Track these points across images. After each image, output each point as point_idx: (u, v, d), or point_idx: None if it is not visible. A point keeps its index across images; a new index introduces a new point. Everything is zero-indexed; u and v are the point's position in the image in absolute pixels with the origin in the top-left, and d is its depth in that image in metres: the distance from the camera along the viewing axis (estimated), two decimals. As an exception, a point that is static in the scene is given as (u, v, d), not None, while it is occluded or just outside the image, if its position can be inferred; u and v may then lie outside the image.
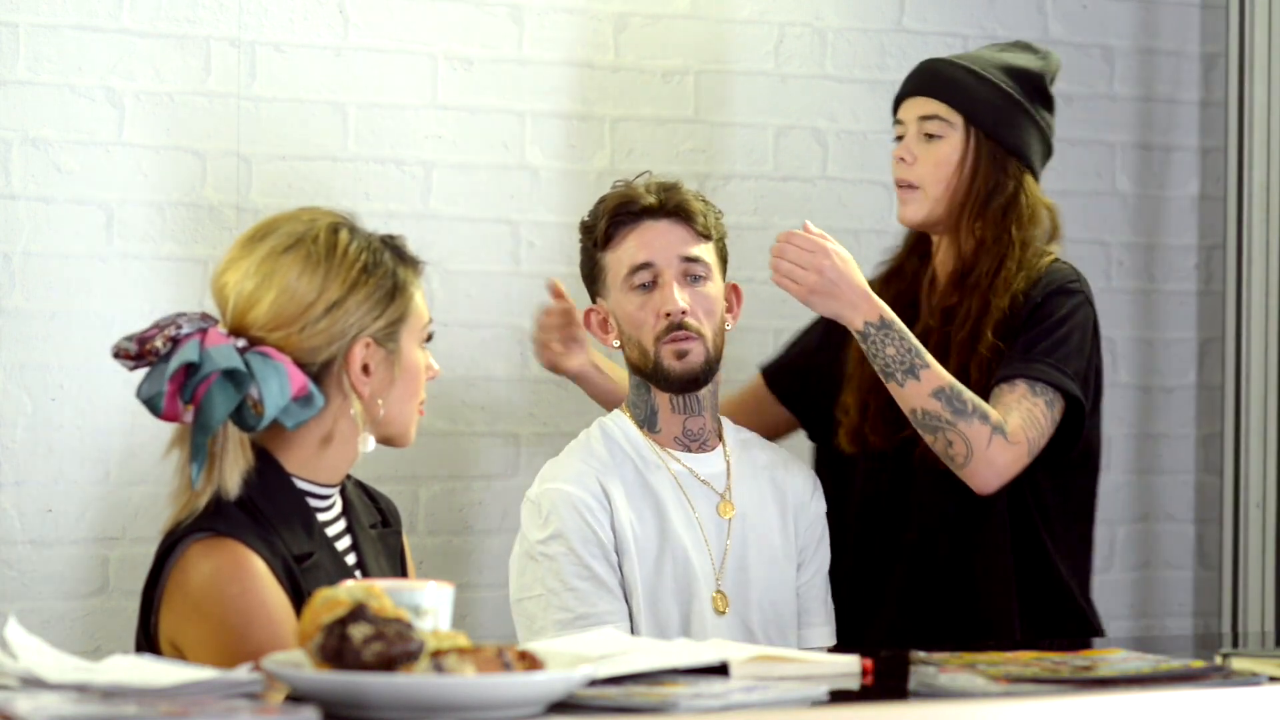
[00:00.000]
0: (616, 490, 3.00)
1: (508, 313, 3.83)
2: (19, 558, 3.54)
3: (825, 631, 3.14)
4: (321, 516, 2.53)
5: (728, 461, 3.10)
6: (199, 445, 2.39)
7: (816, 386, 3.40)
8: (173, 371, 2.37)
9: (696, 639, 2.91)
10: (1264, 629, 4.18)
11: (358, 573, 2.56)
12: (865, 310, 3.06)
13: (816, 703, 2.22)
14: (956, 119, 3.31)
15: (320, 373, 2.47)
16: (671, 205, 3.04)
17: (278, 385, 2.39)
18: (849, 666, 2.42)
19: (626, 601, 2.98)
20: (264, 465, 2.47)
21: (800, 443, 3.56)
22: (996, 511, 3.24)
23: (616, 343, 3.07)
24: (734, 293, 3.13)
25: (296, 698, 2.04)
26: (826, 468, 3.35)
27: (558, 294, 3.38)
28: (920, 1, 4.17)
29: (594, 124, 3.91)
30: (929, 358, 3.07)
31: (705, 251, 3.06)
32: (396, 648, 2.00)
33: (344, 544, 2.57)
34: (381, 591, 2.08)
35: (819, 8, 4.10)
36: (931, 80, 3.35)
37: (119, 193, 3.59)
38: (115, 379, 3.39)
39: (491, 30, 3.85)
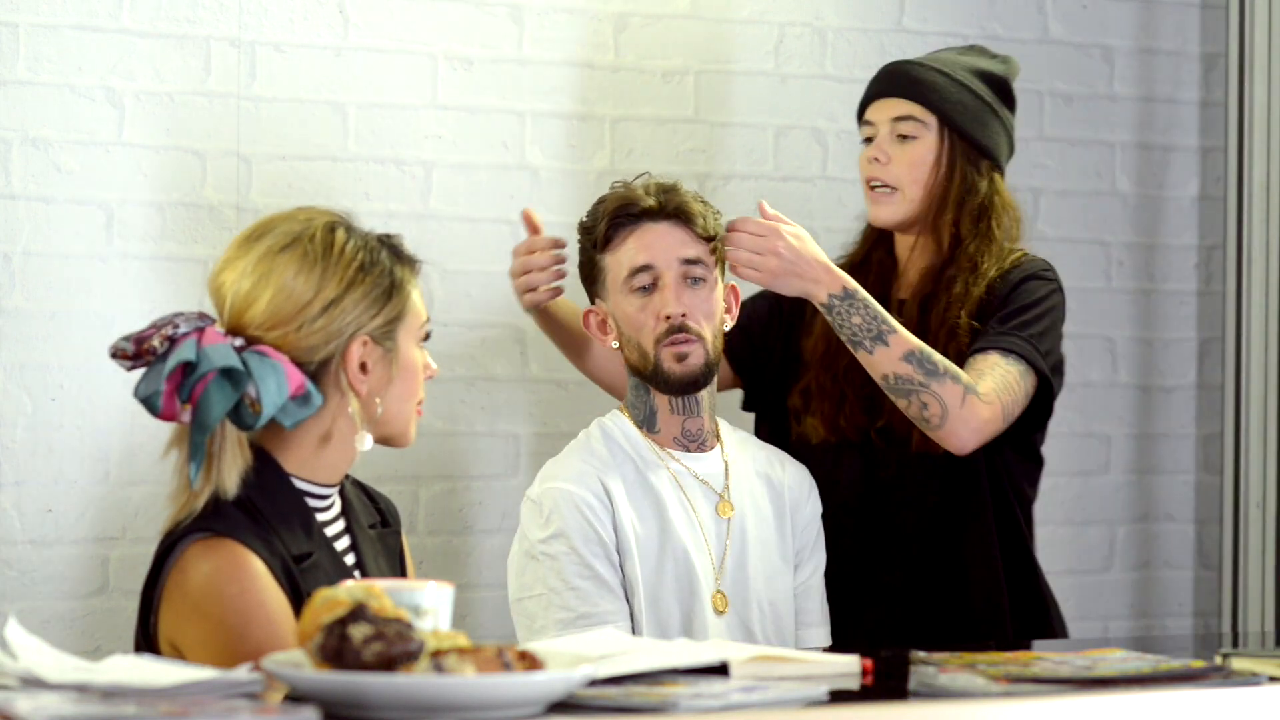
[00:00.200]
0: (618, 489, 3.00)
1: (508, 313, 3.83)
2: (19, 558, 3.54)
3: (822, 632, 3.14)
4: (320, 516, 2.53)
5: (725, 462, 3.10)
6: (197, 444, 2.39)
7: (766, 358, 3.40)
8: (170, 370, 2.37)
9: (697, 639, 2.92)
10: (1264, 629, 4.18)
11: (356, 573, 2.56)
12: (828, 283, 3.10)
13: (816, 703, 2.22)
14: (930, 119, 3.35)
15: (318, 372, 2.47)
16: (671, 207, 3.04)
17: (275, 384, 2.39)
18: (849, 666, 2.42)
19: (628, 601, 2.98)
20: (262, 465, 2.47)
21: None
22: (982, 504, 3.29)
23: (616, 344, 3.07)
24: (732, 294, 3.13)
25: (296, 698, 2.04)
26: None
27: (533, 226, 3.26)
28: (920, 1, 4.18)
29: (594, 124, 3.91)
30: (895, 323, 3.12)
31: (705, 253, 3.06)
32: (396, 648, 2.00)
33: (343, 544, 2.57)
34: (381, 591, 2.08)
35: (819, 8, 4.10)
36: (904, 82, 3.38)
37: (119, 193, 3.59)
38: (115, 379, 3.39)
39: (491, 30, 3.85)
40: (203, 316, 2.43)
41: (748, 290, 3.54)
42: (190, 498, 2.42)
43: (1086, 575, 4.34)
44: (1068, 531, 4.33)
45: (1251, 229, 4.27)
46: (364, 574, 2.56)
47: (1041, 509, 4.29)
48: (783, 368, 3.40)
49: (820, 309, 3.12)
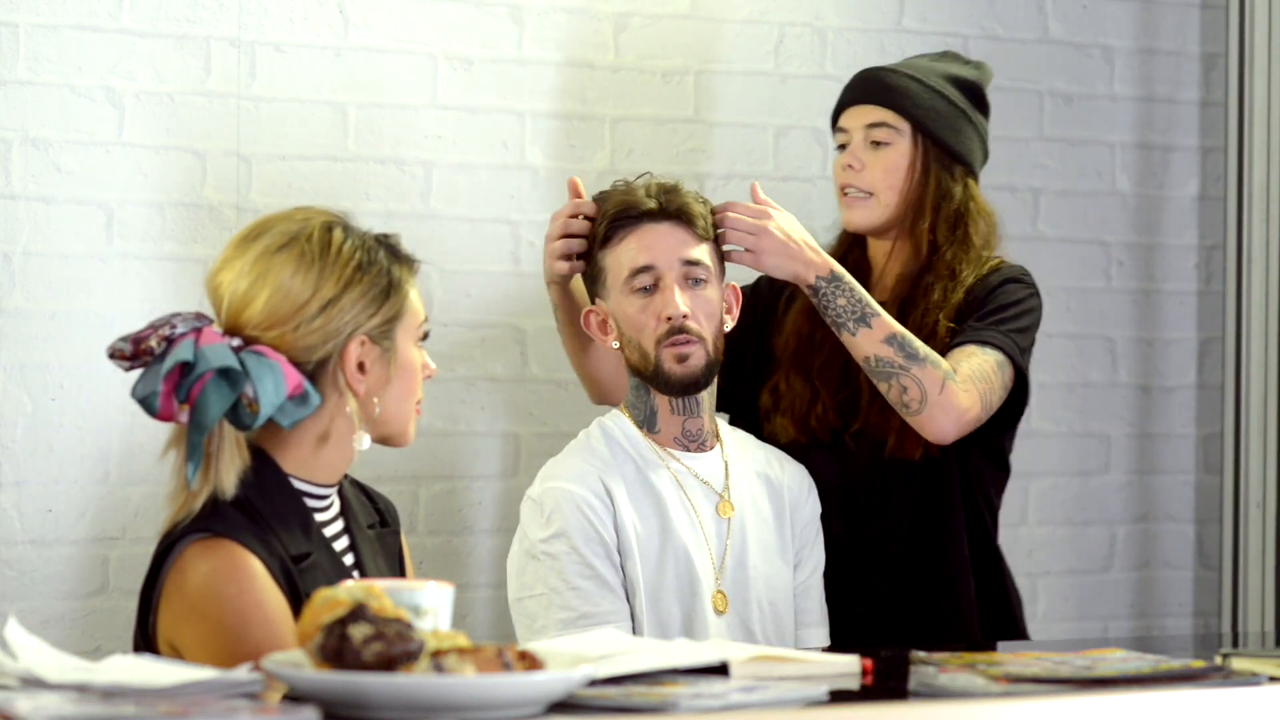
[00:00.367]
0: (618, 489, 3.00)
1: (508, 313, 3.84)
2: (19, 558, 3.54)
3: (821, 632, 3.14)
4: (319, 517, 2.53)
5: (726, 462, 3.10)
6: (195, 445, 2.39)
7: (739, 357, 3.40)
8: (167, 371, 2.36)
9: (698, 639, 2.92)
10: (1264, 629, 4.19)
11: (355, 573, 2.56)
12: (817, 265, 3.14)
13: (816, 703, 2.22)
14: (904, 126, 3.37)
15: (316, 371, 2.47)
16: (673, 208, 3.04)
17: (273, 384, 2.39)
18: (849, 666, 2.42)
19: (629, 601, 2.98)
20: (261, 465, 2.47)
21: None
22: (954, 506, 3.34)
23: (616, 344, 3.07)
24: (733, 294, 3.13)
25: (296, 698, 2.04)
26: None
27: (577, 193, 3.19)
28: (920, 1, 4.18)
29: (594, 124, 3.91)
30: (878, 308, 3.16)
31: (705, 254, 3.06)
32: (396, 648, 2.00)
33: (341, 544, 2.57)
34: (381, 591, 2.08)
35: (819, 8, 4.10)
36: (877, 89, 3.40)
37: (119, 193, 3.59)
38: (115, 379, 3.39)
39: (491, 30, 3.85)
40: (200, 317, 2.43)
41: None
42: (188, 498, 2.42)
43: (1086, 575, 4.34)
44: (1068, 531, 4.33)
45: (1251, 229, 4.27)
46: (363, 574, 2.56)
47: (1041, 509, 4.30)
48: (755, 367, 3.40)
49: (806, 290, 3.16)
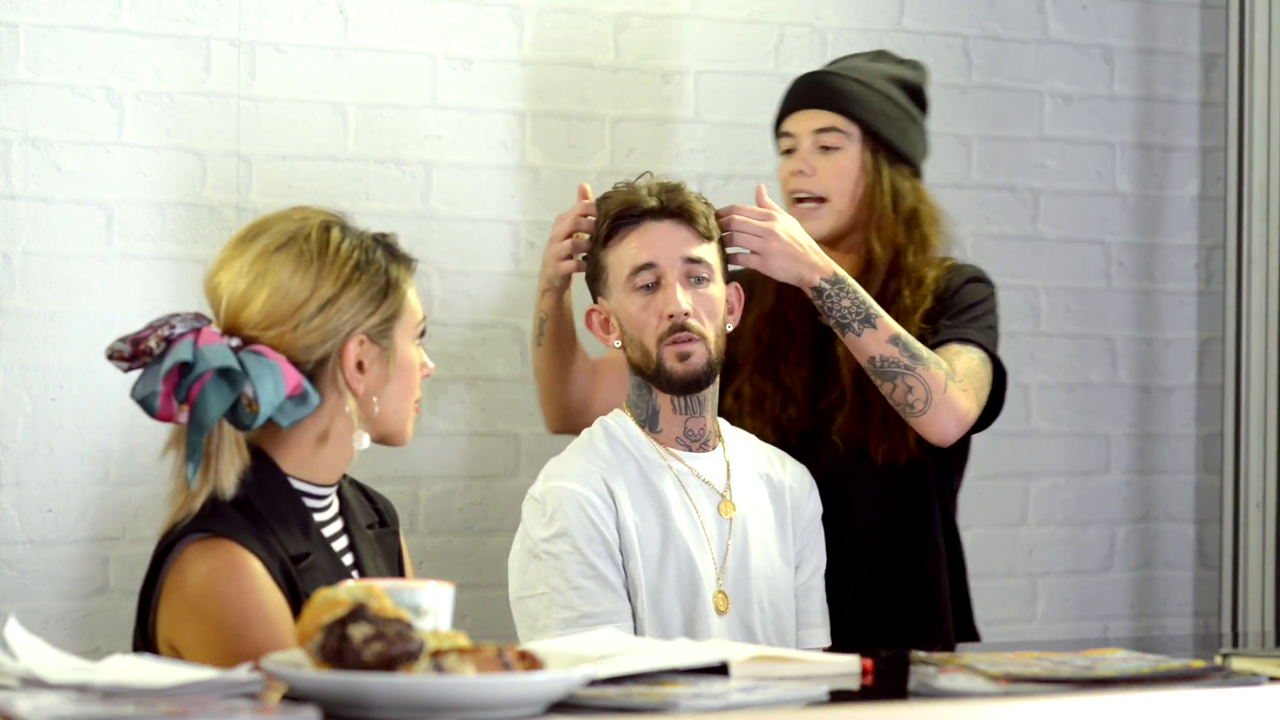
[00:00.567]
0: (621, 489, 3.00)
1: (508, 313, 3.84)
2: (19, 558, 3.54)
3: (822, 633, 3.14)
4: (318, 517, 2.53)
5: (727, 462, 3.10)
6: (194, 445, 2.39)
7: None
8: (166, 371, 2.36)
9: (699, 639, 2.92)
10: (1264, 629, 4.18)
11: (354, 573, 2.56)
12: (821, 268, 3.16)
13: (816, 703, 2.22)
14: (853, 129, 3.40)
15: (315, 371, 2.47)
16: (674, 206, 3.04)
17: (272, 383, 2.39)
18: (849, 666, 2.42)
19: (631, 601, 2.98)
20: (260, 465, 2.47)
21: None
22: (930, 508, 3.38)
23: (618, 343, 3.07)
24: (735, 294, 3.13)
25: (296, 698, 2.04)
26: None
27: (586, 196, 3.19)
28: (920, 1, 4.18)
29: (594, 124, 3.91)
30: (879, 307, 3.18)
31: (707, 253, 3.06)
32: (396, 648, 2.00)
33: (340, 544, 2.57)
34: (381, 591, 2.08)
35: (819, 8, 4.10)
36: (825, 93, 3.42)
37: (119, 193, 3.59)
38: (115, 379, 3.39)
39: (491, 30, 3.85)
40: (199, 317, 2.43)
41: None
42: (188, 498, 2.42)
43: (1086, 575, 4.34)
44: (1068, 531, 4.33)
45: (1251, 229, 4.27)
46: (362, 574, 2.56)
47: (1041, 509, 4.30)
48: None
49: (811, 292, 3.17)
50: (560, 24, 3.89)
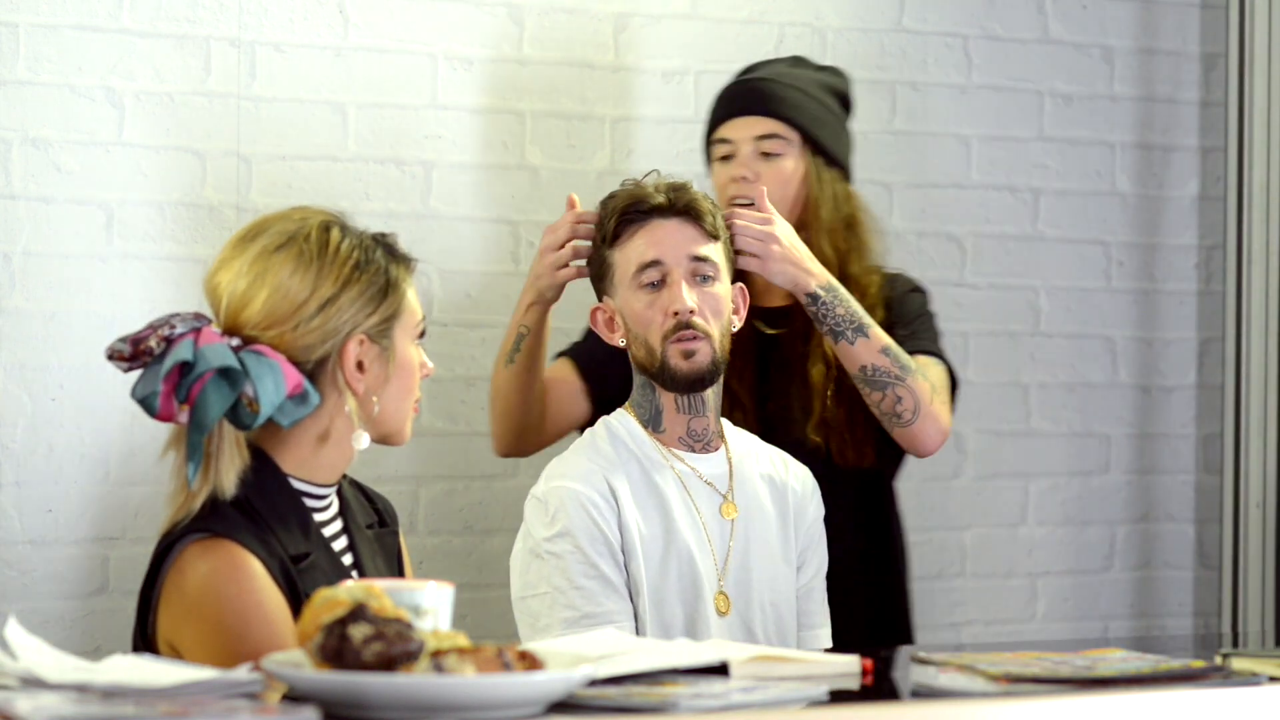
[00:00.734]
0: (623, 489, 3.00)
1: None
2: (19, 558, 3.54)
3: (824, 633, 3.14)
4: (318, 517, 2.53)
5: (730, 462, 3.10)
6: (195, 444, 2.39)
7: (612, 371, 3.40)
8: (167, 371, 2.36)
9: (700, 640, 2.91)
10: (1264, 629, 4.19)
11: (354, 573, 2.56)
12: (817, 275, 3.19)
13: (816, 703, 2.22)
14: (794, 136, 3.43)
15: (315, 371, 2.47)
16: (681, 204, 3.04)
17: (273, 383, 2.39)
18: (849, 666, 2.42)
19: (632, 601, 2.98)
20: (260, 465, 2.47)
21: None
22: (888, 512, 3.47)
23: (623, 341, 3.07)
24: (740, 294, 3.12)
25: (296, 698, 2.04)
26: None
27: (574, 207, 3.20)
28: (920, 1, 4.18)
29: (594, 124, 3.91)
30: (869, 317, 3.21)
31: (714, 251, 3.05)
32: (396, 648, 2.00)
33: (340, 544, 2.57)
34: (381, 591, 2.08)
35: (819, 8, 4.10)
36: (766, 99, 3.44)
37: (119, 193, 3.60)
38: (115, 379, 3.38)
39: (491, 30, 3.85)
40: (199, 317, 2.43)
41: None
42: (188, 498, 2.41)
43: (1086, 575, 4.34)
44: (1068, 531, 4.33)
45: (1251, 229, 4.27)
46: (361, 574, 2.56)
47: (1041, 509, 4.30)
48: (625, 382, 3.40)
49: (805, 299, 3.19)
50: (560, 24, 3.89)
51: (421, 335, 2.57)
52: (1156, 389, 4.40)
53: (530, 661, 2.06)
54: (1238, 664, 2.44)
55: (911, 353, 3.30)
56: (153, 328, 2.40)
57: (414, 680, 1.98)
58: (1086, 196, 4.33)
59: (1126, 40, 4.36)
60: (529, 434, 3.37)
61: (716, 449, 3.09)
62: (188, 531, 2.40)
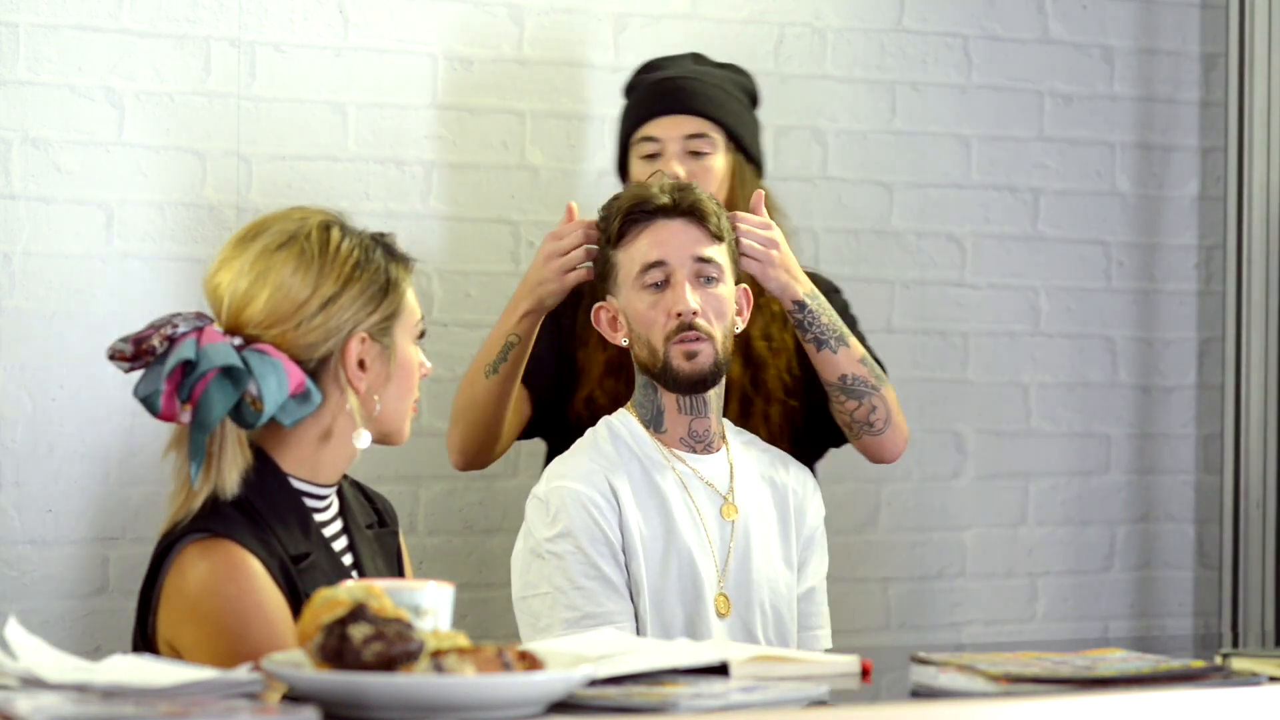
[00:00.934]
0: (624, 490, 3.00)
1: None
2: (19, 558, 3.54)
3: (823, 635, 3.14)
4: (318, 517, 2.53)
5: (731, 464, 3.10)
6: (198, 443, 2.39)
7: (550, 373, 3.41)
8: (170, 370, 2.37)
9: (701, 641, 2.91)
10: (1264, 629, 4.18)
11: (354, 573, 2.56)
12: (804, 283, 3.19)
13: (816, 703, 2.22)
14: (719, 135, 3.43)
15: (317, 370, 2.47)
16: (686, 205, 3.04)
17: (276, 381, 2.39)
18: (849, 666, 2.42)
19: (633, 601, 2.98)
20: (261, 465, 2.47)
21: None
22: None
23: (625, 340, 3.07)
24: (744, 295, 3.12)
25: (296, 698, 2.04)
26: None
27: (572, 216, 3.21)
28: (920, 1, 4.18)
29: (594, 124, 3.91)
30: (845, 326, 3.23)
31: (718, 253, 3.05)
32: (396, 648, 2.00)
33: (340, 544, 2.57)
34: (381, 591, 2.08)
35: (819, 8, 4.10)
36: (692, 98, 3.44)
37: (119, 193, 3.60)
38: (115, 379, 3.38)
39: (491, 30, 3.85)
40: (201, 316, 2.43)
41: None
42: (189, 498, 2.41)
43: (1086, 575, 4.35)
44: (1068, 531, 4.33)
45: (1251, 229, 4.27)
46: (361, 574, 2.56)
47: (1041, 509, 4.30)
48: (559, 381, 3.40)
49: (793, 306, 3.18)
50: (560, 24, 3.89)
51: (421, 335, 2.57)
52: (1156, 389, 4.40)
53: (530, 661, 2.06)
54: (1238, 664, 2.44)
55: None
56: (155, 327, 2.40)
57: (414, 680, 1.98)
58: (1086, 196, 4.33)
59: (1126, 40, 4.35)
60: (495, 444, 3.36)
61: (717, 450, 3.09)
62: (188, 531, 2.40)
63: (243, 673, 2.06)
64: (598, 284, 3.12)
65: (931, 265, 4.20)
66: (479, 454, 3.37)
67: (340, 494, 2.60)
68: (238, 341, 2.42)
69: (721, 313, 3.03)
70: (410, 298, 2.54)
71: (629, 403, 3.12)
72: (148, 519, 3.53)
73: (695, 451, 3.07)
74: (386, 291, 2.50)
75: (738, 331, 3.09)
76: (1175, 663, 2.43)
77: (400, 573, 2.68)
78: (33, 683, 2.04)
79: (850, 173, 4.13)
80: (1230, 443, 4.30)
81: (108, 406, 3.55)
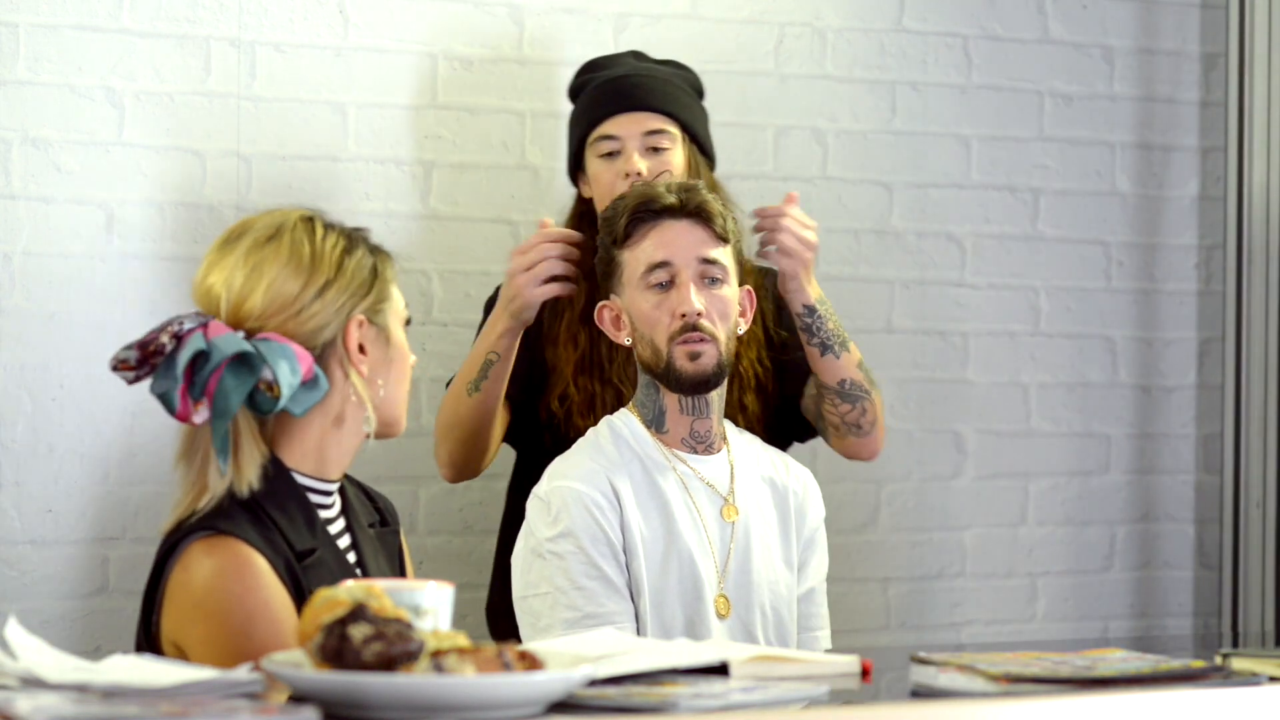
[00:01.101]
0: (625, 490, 3.00)
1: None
2: (19, 558, 3.54)
3: (823, 636, 3.14)
4: (323, 514, 2.53)
5: (731, 465, 3.10)
6: (221, 434, 2.39)
7: (528, 383, 3.41)
8: (185, 363, 2.37)
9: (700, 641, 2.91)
10: (1264, 629, 4.18)
11: (358, 570, 2.56)
12: (815, 288, 3.22)
13: (816, 703, 2.22)
14: (676, 129, 3.43)
15: (320, 357, 2.48)
16: (692, 206, 3.04)
17: (288, 366, 2.41)
18: (849, 666, 2.42)
19: (634, 602, 2.98)
20: (266, 462, 2.47)
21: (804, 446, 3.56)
22: None
23: (628, 340, 3.07)
24: (748, 297, 3.12)
25: (296, 698, 2.04)
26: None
27: (546, 227, 3.26)
28: (920, 1, 4.18)
29: (594, 124, 3.91)
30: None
31: (723, 254, 3.05)
32: (396, 648, 2.00)
33: (344, 542, 2.57)
34: (381, 591, 2.08)
35: (819, 8, 4.10)
36: (650, 94, 3.45)
37: (119, 193, 3.60)
38: (115, 378, 3.39)
39: (491, 30, 3.85)
40: (202, 315, 2.44)
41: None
42: (197, 494, 2.42)
43: (1086, 575, 4.34)
44: (1068, 531, 4.33)
45: (1251, 229, 4.27)
46: (365, 573, 2.57)
47: (1041, 509, 4.30)
48: (529, 382, 3.41)
49: (803, 310, 3.21)
50: (560, 24, 3.89)
51: (408, 323, 2.60)
52: (1156, 389, 4.40)
53: (530, 661, 2.06)
54: (1238, 664, 2.44)
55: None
56: (160, 329, 2.40)
57: (414, 680, 1.98)
58: (1086, 196, 4.33)
59: (1126, 40, 4.35)
60: (484, 456, 3.38)
61: (718, 451, 3.09)
62: (193, 529, 2.40)
63: (243, 673, 2.06)
64: (600, 283, 3.13)
65: (931, 265, 4.20)
66: (467, 466, 3.39)
67: (342, 493, 2.60)
68: (242, 335, 2.43)
69: (725, 314, 3.04)
70: (395, 286, 2.57)
71: (630, 402, 3.12)
72: (148, 519, 3.53)
73: (696, 452, 3.07)
74: (374, 275, 2.53)
75: (741, 333, 3.09)
76: (1175, 663, 2.43)
77: (402, 572, 2.69)
78: (33, 683, 2.04)
79: (850, 173, 4.13)
80: (1230, 443, 4.30)
81: (108, 406, 3.55)
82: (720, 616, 3.01)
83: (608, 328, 3.10)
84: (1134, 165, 4.37)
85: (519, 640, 3.12)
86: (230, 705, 1.95)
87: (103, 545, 3.59)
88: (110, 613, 3.57)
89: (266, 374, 2.40)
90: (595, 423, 3.27)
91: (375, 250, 2.56)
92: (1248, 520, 4.26)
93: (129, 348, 2.40)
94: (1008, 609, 4.27)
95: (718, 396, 3.07)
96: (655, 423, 3.07)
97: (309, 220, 2.53)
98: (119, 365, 2.40)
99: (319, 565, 2.46)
